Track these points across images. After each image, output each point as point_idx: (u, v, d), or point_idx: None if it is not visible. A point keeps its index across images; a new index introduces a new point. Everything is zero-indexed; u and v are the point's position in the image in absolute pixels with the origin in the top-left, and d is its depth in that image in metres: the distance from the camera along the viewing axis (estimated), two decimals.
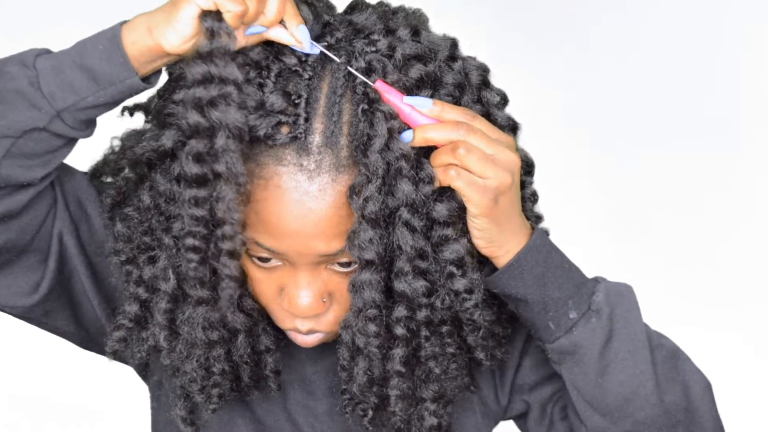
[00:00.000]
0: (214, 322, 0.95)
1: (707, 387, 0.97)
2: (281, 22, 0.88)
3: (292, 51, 0.89)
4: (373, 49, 0.90)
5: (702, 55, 1.74)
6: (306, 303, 0.93)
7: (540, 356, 1.04)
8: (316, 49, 0.89)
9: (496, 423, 1.11)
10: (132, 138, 0.97)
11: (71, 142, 0.92)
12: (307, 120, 0.88)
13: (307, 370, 1.06)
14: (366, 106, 0.88)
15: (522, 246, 0.92)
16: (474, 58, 0.96)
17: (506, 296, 0.95)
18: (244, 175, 0.87)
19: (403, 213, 0.89)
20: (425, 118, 0.89)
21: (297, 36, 0.88)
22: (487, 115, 0.94)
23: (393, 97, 0.89)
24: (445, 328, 0.95)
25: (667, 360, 0.96)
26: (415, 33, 0.92)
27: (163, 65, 0.90)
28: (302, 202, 0.88)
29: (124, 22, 0.90)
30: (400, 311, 0.92)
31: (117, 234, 0.97)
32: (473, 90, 0.94)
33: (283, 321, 0.97)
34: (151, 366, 1.09)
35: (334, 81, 0.89)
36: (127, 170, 0.98)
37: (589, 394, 0.95)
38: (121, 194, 0.98)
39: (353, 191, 0.88)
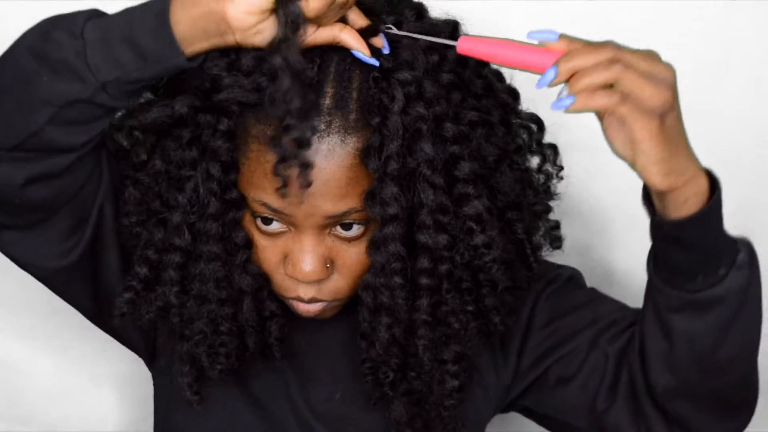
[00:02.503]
0: (223, 281, 0.97)
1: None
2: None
3: None
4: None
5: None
6: (310, 267, 0.94)
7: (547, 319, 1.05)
8: (375, 61, 0.90)
9: (498, 408, 1.12)
10: (140, 107, 0.97)
11: (114, 110, 0.93)
12: (318, 84, 0.90)
13: (306, 360, 1.07)
14: (378, 74, 0.90)
15: (703, 174, 0.85)
16: None
17: (674, 241, 0.87)
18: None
19: (424, 170, 0.91)
20: (535, 55, 0.83)
21: (378, 44, 0.90)
22: (489, 88, 0.98)
23: (484, 47, 0.85)
24: (465, 284, 0.96)
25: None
26: (419, 14, 0.95)
27: (211, 48, 0.88)
28: (312, 161, 0.89)
29: None
30: (423, 262, 0.94)
31: (128, 197, 0.98)
32: (473, 67, 0.97)
33: (287, 289, 0.98)
34: (158, 350, 1.10)
35: (343, 50, 0.91)
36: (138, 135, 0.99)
37: (702, 347, 0.92)
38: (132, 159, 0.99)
39: (368, 152, 0.90)
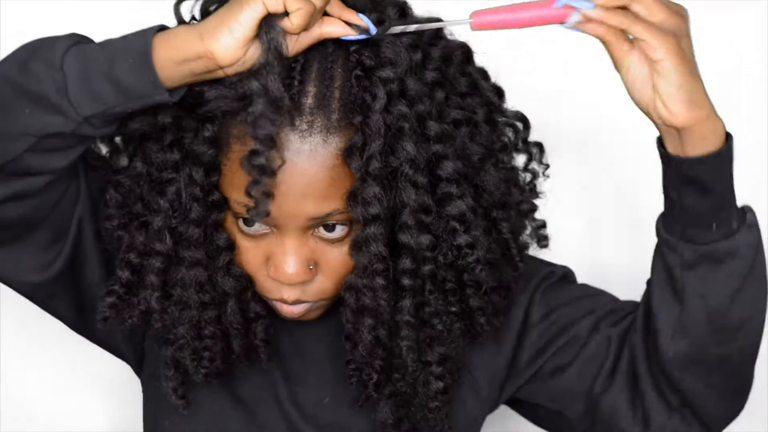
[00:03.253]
0: (205, 284, 0.96)
1: None
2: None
3: None
4: None
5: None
6: (293, 269, 0.93)
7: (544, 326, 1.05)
8: (373, 28, 0.89)
9: (491, 408, 1.11)
10: None
11: (95, 137, 0.92)
12: (300, 83, 0.89)
13: (294, 362, 1.06)
14: (360, 73, 0.89)
15: (721, 132, 0.89)
16: (456, 40, 0.98)
17: (692, 182, 0.90)
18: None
19: (406, 169, 0.90)
20: (548, 8, 0.85)
21: (362, 23, 0.88)
22: (474, 86, 0.97)
23: (497, 16, 0.85)
24: (448, 285, 0.95)
25: None
26: (402, 12, 0.94)
27: (194, 82, 0.87)
28: (294, 162, 0.88)
29: (158, 28, 0.87)
30: (405, 263, 0.93)
31: (109, 200, 0.97)
32: (458, 64, 0.96)
33: (270, 291, 0.97)
34: (147, 358, 1.09)
35: (326, 49, 0.90)
36: (118, 140, 0.99)
37: (716, 305, 0.93)
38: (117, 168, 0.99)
39: (351, 152, 0.89)
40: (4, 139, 0.88)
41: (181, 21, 0.95)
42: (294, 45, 0.87)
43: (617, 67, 0.87)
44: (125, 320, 0.99)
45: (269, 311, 1.01)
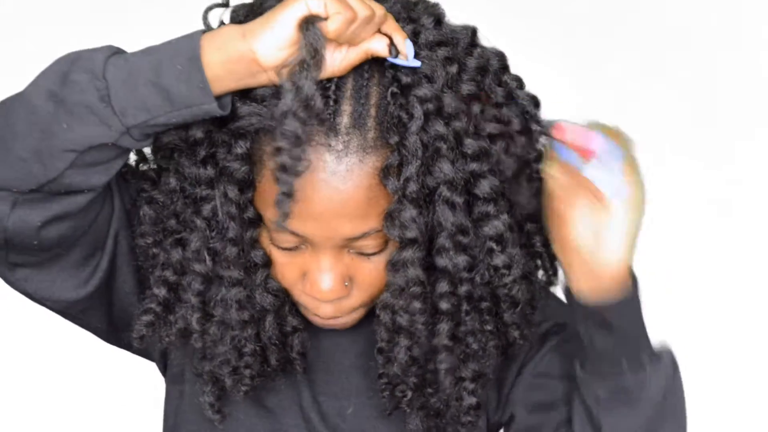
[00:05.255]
0: (245, 303, 0.95)
1: None
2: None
3: None
4: None
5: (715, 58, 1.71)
6: (328, 287, 0.93)
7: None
8: (417, 62, 0.88)
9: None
10: None
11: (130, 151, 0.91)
12: (336, 102, 0.87)
13: (319, 372, 1.06)
14: (396, 90, 0.88)
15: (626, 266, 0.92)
16: (492, 47, 0.97)
17: (599, 323, 0.93)
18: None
19: (444, 191, 0.89)
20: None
21: (402, 50, 0.87)
22: (510, 96, 0.95)
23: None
24: (484, 305, 0.95)
25: None
26: (438, 22, 0.93)
27: (239, 89, 0.86)
28: (329, 183, 0.87)
29: (202, 31, 0.86)
30: (443, 287, 0.92)
31: (143, 217, 0.96)
32: (494, 74, 0.95)
33: (306, 306, 0.97)
34: (170, 356, 1.08)
35: (361, 65, 0.88)
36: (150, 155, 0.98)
37: None
38: (148, 178, 0.97)
39: (388, 172, 0.88)
40: (44, 158, 0.87)
41: (208, 28, 0.94)
42: (342, 60, 0.86)
43: (565, 210, 0.91)
44: (162, 339, 0.98)
45: (306, 324, 1.01)
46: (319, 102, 0.84)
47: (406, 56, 0.87)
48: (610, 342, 0.92)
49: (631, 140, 0.92)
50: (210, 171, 0.92)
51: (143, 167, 1.00)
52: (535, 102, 0.98)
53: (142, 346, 1.00)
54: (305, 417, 1.05)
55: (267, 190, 0.90)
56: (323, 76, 0.85)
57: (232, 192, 0.91)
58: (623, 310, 0.92)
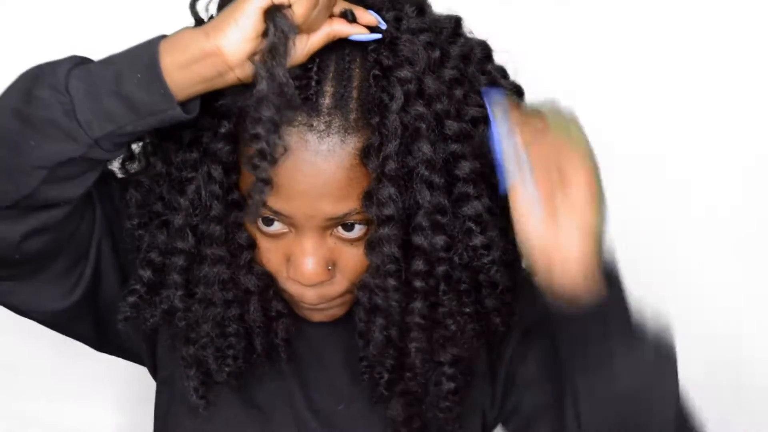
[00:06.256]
0: (228, 282, 0.96)
1: None
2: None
3: None
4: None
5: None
6: (312, 270, 0.93)
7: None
8: (377, 35, 0.89)
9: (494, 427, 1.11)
10: None
11: (107, 161, 0.91)
12: (318, 83, 0.89)
13: (311, 369, 1.06)
14: (378, 72, 0.89)
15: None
16: (476, 37, 0.98)
17: (566, 330, 0.91)
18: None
19: (422, 170, 0.90)
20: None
21: (370, 20, 0.89)
22: (494, 83, 0.96)
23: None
24: (463, 286, 0.95)
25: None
26: (420, 10, 0.94)
27: (204, 91, 0.86)
28: (312, 162, 0.88)
29: (161, 37, 0.86)
30: (418, 265, 0.93)
31: (130, 200, 0.97)
32: (477, 62, 0.96)
33: (291, 292, 0.98)
34: (161, 360, 1.09)
35: (343, 48, 0.90)
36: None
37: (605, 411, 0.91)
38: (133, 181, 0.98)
39: (368, 152, 0.89)
40: (15, 176, 0.87)
41: (198, 20, 0.95)
42: (305, 46, 0.87)
43: (516, 212, 0.87)
44: (147, 320, 0.99)
45: (291, 309, 1.02)
46: (292, 88, 0.84)
47: (377, 22, 0.88)
48: (582, 340, 0.90)
49: (574, 121, 0.90)
50: (195, 154, 0.93)
51: (130, 166, 1.00)
52: (519, 91, 1.00)
53: (127, 328, 1.00)
54: (297, 414, 1.05)
55: (249, 173, 0.91)
56: (288, 64, 0.85)
57: (216, 171, 0.92)
58: (591, 314, 0.88)
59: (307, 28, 0.86)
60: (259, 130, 0.84)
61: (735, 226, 1.57)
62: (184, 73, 0.84)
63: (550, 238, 0.86)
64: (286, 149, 0.87)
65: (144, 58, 0.84)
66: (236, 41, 0.83)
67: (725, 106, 1.45)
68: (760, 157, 1.49)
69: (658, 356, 0.91)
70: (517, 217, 0.87)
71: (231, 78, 0.85)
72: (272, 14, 0.83)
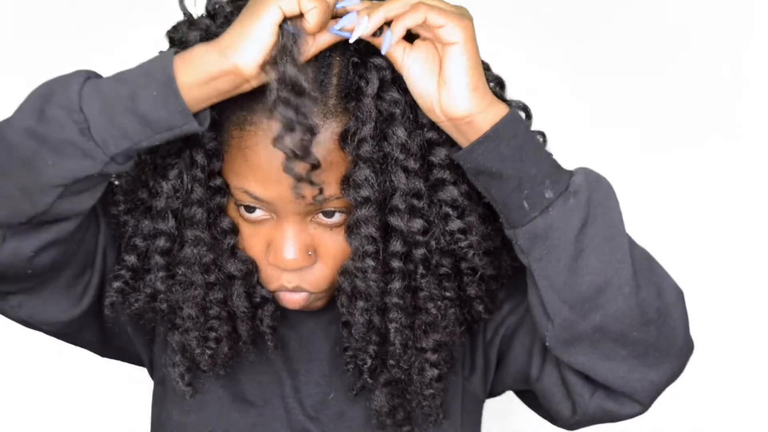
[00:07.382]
0: (210, 265, 0.97)
1: (680, 294, 0.96)
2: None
3: None
4: None
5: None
6: (292, 255, 0.95)
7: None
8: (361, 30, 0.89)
9: (482, 401, 1.12)
10: None
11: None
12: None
13: (300, 360, 1.07)
14: (356, 60, 0.91)
15: (499, 117, 0.89)
16: None
17: (480, 172, 0.90)
18: None
19: (397, 154, 0.92)
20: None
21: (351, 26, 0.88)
22: None
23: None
24: (443, 270, 0.96)
25: (643, 258, 0.94)
26: None
27: (219, 100, 0.87)
28: None
29: (173, 53, 0.86)
30: (395, 246, 0.94)
31: (116, 188, 0.99)
32: None
33: (271, 278, 0.99)
34: (156, 357, 1.10)
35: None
36: None
37: (560, 282, 0.91)
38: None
39: (346, 136, 0.90)
40: (31, 194, 0.88)
41: (187, 16, 0.96)
42: (312, 46, 0.88)
43: (399, 67, 0.89)
44: (132, 304, 1.00)
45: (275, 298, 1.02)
46: (304, 81, 0.85)
47: (353, 28, 0.89)
48: (505, 188, 0.90)
49: None
50: (178, 141, 0.94)
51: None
52: (500, 83, 1.01)
53: (113, 314, 1.01)
54: (286, 405, 1.06)
55: (232, 159, 0.93)
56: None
57: (197, 155, 0.94)
58: (499, 154, 0.88)
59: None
60: (281, 132, 0.86)
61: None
62: (202, 90, 0.86)
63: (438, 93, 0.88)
64: (309, 143, 0.87)
65: (158, 75, 0.85)
66: (252, 58, 0.85)
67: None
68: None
69: (588, 181, 0.91)
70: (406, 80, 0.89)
71: (246, 88, 0.87)
72: (286, 26, 0.84)
